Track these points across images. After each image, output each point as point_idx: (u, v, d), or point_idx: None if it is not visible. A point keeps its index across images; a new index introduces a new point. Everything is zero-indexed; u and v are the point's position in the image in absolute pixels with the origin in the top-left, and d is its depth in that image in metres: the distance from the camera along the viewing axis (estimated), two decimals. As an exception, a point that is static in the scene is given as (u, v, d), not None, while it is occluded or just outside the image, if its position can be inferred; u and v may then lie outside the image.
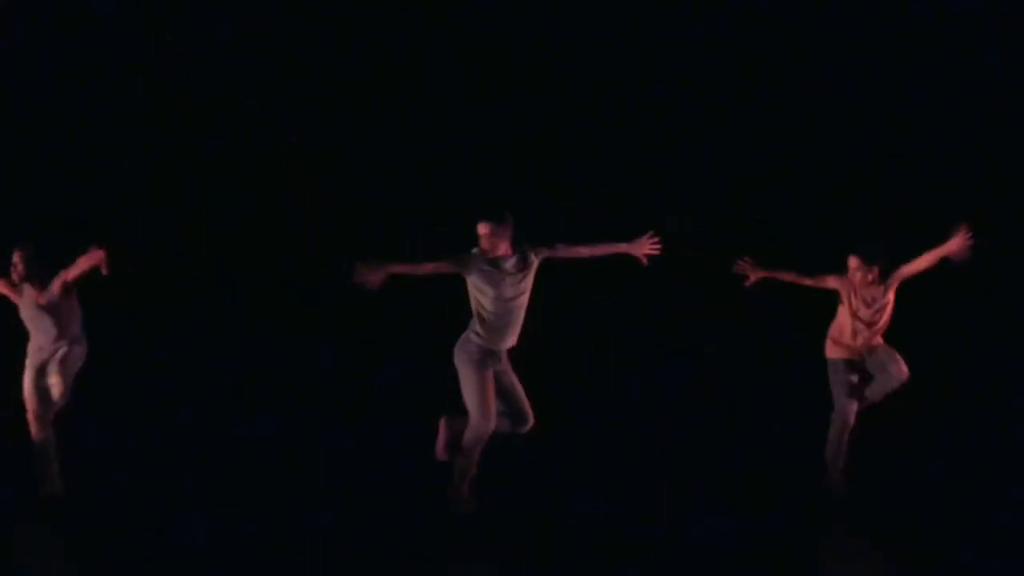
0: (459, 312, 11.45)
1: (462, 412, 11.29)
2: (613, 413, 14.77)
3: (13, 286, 11.81)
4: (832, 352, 11.84)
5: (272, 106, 15.78)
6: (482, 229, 11.16)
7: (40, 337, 11.76)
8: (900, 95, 15.67)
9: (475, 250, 11.20)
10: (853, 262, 11.79)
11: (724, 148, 15.78)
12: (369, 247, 15.83)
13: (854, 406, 11.67)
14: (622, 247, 11.37)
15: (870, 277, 11.73)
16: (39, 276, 11.80)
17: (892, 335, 11.95)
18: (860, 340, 11.76)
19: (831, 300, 12.07)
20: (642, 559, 10.29)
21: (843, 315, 11.81)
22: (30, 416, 11.76)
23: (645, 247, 11.36)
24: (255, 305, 15.49)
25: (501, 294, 11.14)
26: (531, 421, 11.36)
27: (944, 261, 11.63)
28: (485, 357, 11.22)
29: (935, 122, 15.58)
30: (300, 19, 15.78)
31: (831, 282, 11.87)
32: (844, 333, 11.78)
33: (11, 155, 15.36)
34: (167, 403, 14.44)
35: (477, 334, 11.25)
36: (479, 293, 11.22)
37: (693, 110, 15.72)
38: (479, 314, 11.25)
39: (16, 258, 11.81)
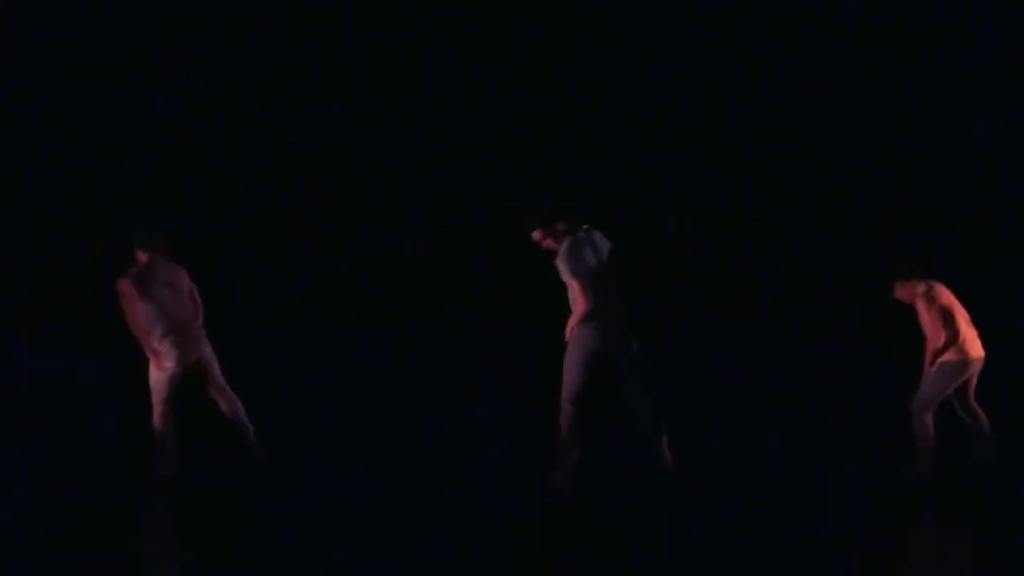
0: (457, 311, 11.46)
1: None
2: (613, 413, 14.76)
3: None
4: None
5: (272, 106, 15.80)
6: None
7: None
8: (900, 95, 15.69)
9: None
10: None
11: (724, 148, 15.80)
12: (369, 246, 15.91)
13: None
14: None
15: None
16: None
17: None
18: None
19: (829, 300, 12.07)
20: (643, 559, 10.31)
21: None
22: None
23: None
24: (254, 305, 15.50)
25: None
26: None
27: None
28: None
29: (935, 122, 15.60)
30: (300, 19, 15.79)
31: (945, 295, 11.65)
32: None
33: (12, 155, 15.39)
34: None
35: None
36: None
37: (693, 110, 15.74)
38: None
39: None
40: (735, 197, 15.74)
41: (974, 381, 11.89)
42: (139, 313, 11.79)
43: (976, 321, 11.96)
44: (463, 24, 15.78)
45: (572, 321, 11.36)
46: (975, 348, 11.73)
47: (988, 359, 11.97)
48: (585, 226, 11.45)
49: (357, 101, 15.89)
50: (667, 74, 15.74)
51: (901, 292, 11.76)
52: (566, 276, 11.28)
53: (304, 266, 15.87)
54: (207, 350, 12.09)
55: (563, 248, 11.33)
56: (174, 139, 15.80)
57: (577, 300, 11.29)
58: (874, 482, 11.99)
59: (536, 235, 11.38)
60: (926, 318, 11.63)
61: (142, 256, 11.93)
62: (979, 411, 11.96)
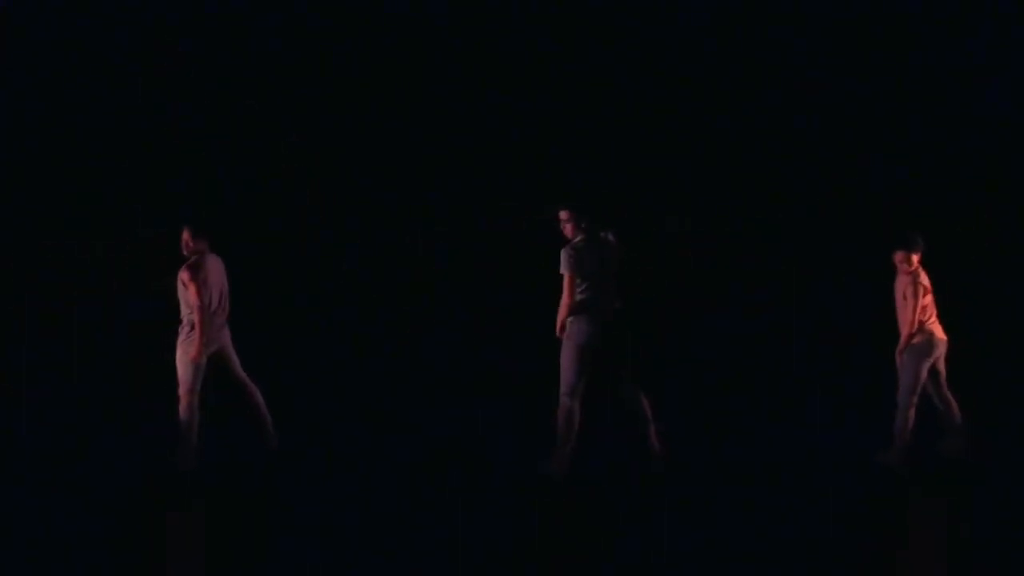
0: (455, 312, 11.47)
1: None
2: (613, 413, 14.77)
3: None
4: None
5: (272, 106, 15.79)
6: None
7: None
8: (900, 95, 15.68)
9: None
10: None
11: (724, 148, 15.79)
12: (369, 246, 15.90)
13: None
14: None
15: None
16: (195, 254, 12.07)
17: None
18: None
19: (827, 297, 12.09)
20: (644, 558, 10.31)
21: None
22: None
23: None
24: (254, 304, 15.49)
25: None
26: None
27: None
28: None
29: (934, 122, 15.59)
30: (300, 19, 15.79)
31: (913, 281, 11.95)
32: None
33: (12, 155, 15.38)
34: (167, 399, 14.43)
35: None
36: None
37: (692, 110, 15.73)
38: None
39: (186, 235, 12.04)
40: (735, 197, 15.73)
41: (943, 368, 12.11)
42: (193, 299, 11.93)
43: (976, 320, 12.03)
44: (463, 24, 15.78)
45: (560, 315, 11.80)
46: (939, 330, 12.09)
47: (986, 359, 12.05)
48: (604, 232, 11.79)
49: (357, 101, 15.89)
50: (667, 74, 15.73)
51: (903, 263, 11.88)
52: (562, 268, 11.73)
53: (304, 266, 15.86)
54: (227, 341, 12.26)
55: (572, 242, 11.74)
56: (174, 139, 15.80)
57: (564, 294, 11.74)
58: (873, 482, 11.99)
59: (563, 214, 11.80)
60: (911, 301, 11.85)
61: (199, 244, 12.09)
62: (953, 402, 12.19)
